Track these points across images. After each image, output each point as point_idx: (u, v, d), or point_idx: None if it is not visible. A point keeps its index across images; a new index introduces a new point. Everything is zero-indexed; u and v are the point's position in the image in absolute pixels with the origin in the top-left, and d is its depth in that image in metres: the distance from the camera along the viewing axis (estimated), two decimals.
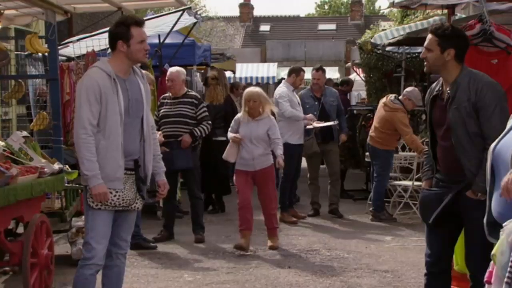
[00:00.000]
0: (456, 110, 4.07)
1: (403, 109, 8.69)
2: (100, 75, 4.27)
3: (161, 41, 9.66)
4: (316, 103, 9.13)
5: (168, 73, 7.71)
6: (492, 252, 2.62)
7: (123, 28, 4.31)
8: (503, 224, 2.62)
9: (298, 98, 8.98)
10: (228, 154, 7.29)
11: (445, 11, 8.76)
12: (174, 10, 10.06)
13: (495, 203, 3.19)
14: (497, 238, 3.26)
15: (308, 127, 8.79)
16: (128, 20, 4.37)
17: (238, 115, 7.40)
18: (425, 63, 4.23)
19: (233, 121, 7.39)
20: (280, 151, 7.15)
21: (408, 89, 9.10)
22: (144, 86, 4.50)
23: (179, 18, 9.17)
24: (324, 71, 9.31)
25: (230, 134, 7.30)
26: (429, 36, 4.16)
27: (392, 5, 6.99)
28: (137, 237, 6.86)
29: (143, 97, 4.44)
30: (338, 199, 9.40)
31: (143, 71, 4.73)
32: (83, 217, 6.60)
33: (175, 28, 9.55)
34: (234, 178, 7.28)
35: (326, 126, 8.85)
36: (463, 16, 9.32)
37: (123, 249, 4.57)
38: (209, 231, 7.90)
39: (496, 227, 3.19)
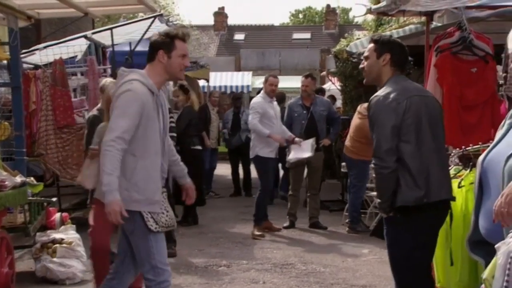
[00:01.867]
0: None
1: None
2: (143, 90, 3.98)
3: (132, 48, 9.41)
4: (304, 111, 8.95)
5: None
6: (484, 277, 2.43)
7: (167, 39, 4.07)
8: (496, 246, 2.42)
9: (277, 110, 8.74)
10: (85, 176, 5.42)
11: (422, 19, 8.64)
12: (145, 17, 9.85)
13: (482, 220, 2.99)
14: (480, 255, 3.08)
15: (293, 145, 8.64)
16: (172, 32, 4.14)
17: (101, 124, 5.43)
18: (363, 74, 4.12)
19: (95, 134, 5.50)
20: None
21: None
22: (165, 100, 4.30)
23: (150, 25, 8.97)
24: (314, 78, 9.13)
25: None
26: (368, 46, 4.13)
27: (370, 11, 6.81)
28: None
29: (167, 111, 4.27)
30: (319, 212, 9.24)
31: None
32: (48, 231, 6.39)
33: (146, 36, 9.30)
34: (91, 211, 5.13)
35: (304, 144, 8.66)
36: (439, 24, 9.21)
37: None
38: (181, 245, 7.64)
39: (481, 245, 3.03)
